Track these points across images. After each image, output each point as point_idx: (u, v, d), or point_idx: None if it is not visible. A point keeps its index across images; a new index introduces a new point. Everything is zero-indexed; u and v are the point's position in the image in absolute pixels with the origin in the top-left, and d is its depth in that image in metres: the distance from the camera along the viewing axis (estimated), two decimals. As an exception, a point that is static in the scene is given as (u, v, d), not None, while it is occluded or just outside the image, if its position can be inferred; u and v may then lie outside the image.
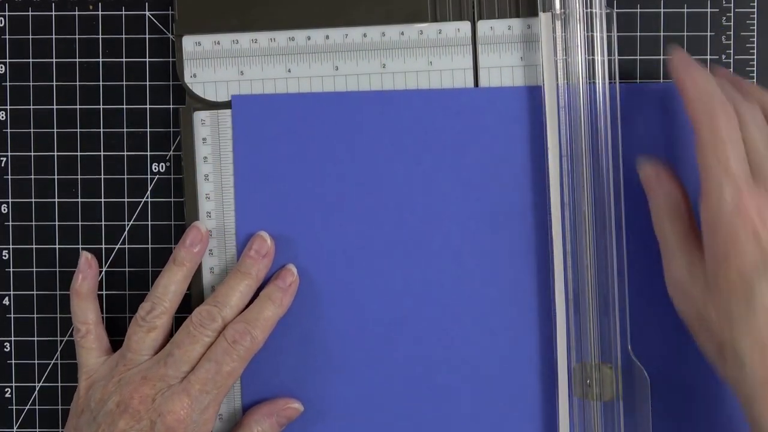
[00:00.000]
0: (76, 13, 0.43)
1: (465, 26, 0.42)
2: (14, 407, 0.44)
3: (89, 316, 0.41)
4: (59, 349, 0.43)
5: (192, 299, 0.42)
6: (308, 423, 0.42)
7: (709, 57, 0.43)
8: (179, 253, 0.40)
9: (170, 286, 0.40)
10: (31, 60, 0.43)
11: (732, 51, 0.43)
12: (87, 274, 0.41)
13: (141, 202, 0.43)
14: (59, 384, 0.43)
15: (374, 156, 0.42)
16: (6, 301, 0.43)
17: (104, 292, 0.43)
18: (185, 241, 0.41)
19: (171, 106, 0.43)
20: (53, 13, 0.43)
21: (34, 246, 0.43)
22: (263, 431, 0.40)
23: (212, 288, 0.42)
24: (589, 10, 0.40)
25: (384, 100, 0.42)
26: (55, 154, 0.43)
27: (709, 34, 0.43)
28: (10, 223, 0.43)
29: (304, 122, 0.42)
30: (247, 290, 0.40)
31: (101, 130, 0.43)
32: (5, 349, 0.43)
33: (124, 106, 0.43)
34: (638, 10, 0.42)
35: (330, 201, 0.42)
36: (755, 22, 0.42)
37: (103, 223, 0.43)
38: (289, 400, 0.41)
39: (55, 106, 0.43)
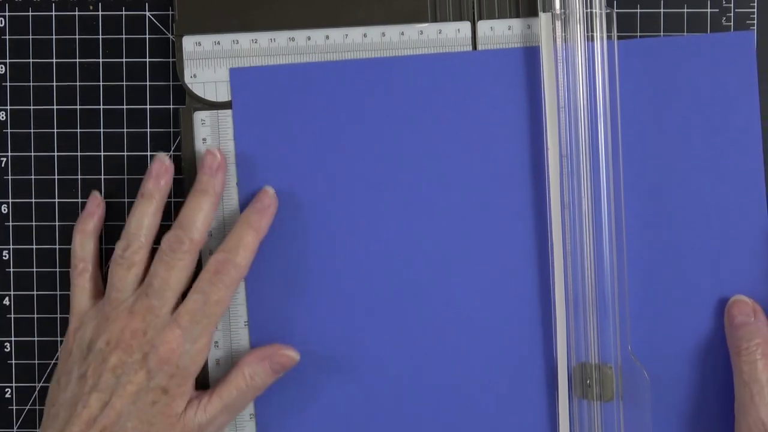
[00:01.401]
0: (76, 13, 0.43)
1: (465, 26, 0.42)
2: (14, 407, 0.44)
3: (89, 254, 0.41)
4: (59, 349, 0.43)
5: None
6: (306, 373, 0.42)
7: (709, 57, 0.43)
8: (147, 187, 0.40)
9: (143, 221, 0.40)
10: (31, 60, 0.43)
11: (732, 51, 0.43)
12: (95, 214, 0.42)
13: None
14: (59, 384, 0.43)
15: (374, 123, 0.42)
16: (6, 301, 0.43)
17: (104, 292, 0.43)
18: (151, 174, 0.40)
19: (171, 106, 0.43)
20: (53, 13, 0.43)
21: (34, 246, 0.43)
22: (254, 374, 0.40)
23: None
24: (589, 10, 0.40)
25: (382, 67, 0.42)
26: (55, 154, 0.43)
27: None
28: (10, 223, 0.43)
29: (304, 92, 0.42)
30: (208, 207, 0.40)
31: (101, 130, 0.43)
32: (5, 349, 0.44)
33: (124, 106, 0.43)
34: (638, 10, 0.42)
35: (330, 168, 0.42)
36: (755, 22, 0.42)
37: (103, 222, 0.43)
38: (284, 346, 0.41)
39: (55, 106, 0.43)
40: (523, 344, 0.42)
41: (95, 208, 0.42)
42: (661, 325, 0.42)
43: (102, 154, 0.43)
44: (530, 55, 0.42)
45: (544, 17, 0.41)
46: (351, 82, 0.42)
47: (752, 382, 0.38)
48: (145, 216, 0.40)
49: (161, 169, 0.40)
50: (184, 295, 0.40)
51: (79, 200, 0.43)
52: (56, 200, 0.43)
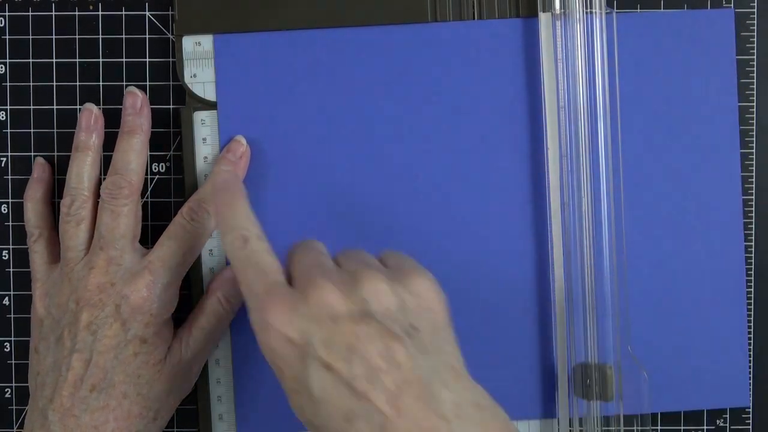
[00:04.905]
0: (76, 13, 0.43)
1: (465, 26, 0.42)
2: (14, 407, 0.44)
3: (43, 220, 0.41)
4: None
5: (191, 285, 0.42)
6: None
7: (709, 57, 0.43)
8: (80, 139, 0.40)
9: (83, 174, 0.40)
10: (31, 60, 0.43)
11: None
12: (43, 180, 0.42)
13: (141, 202, 0.43)
14: (59, 384, 0.43)
15: (363, 94, 0.42)
16: (6, 301, 0.43)
17: (104, 292, 0.43)
18: (81, 126, 0.41)
19: (171, 106, 0.43)
20: (53, 13, 0.43)
21: (34, 246, 0.43)
22: (229, 296, 0.40)
23: (210, 271, 0.42)
24: (589, 10, 0.40)
25: (372, 37, 0.42)
26: (55, 153, 0.43)
27: (709, 34, 0.43)
28: (10, 223, 0.43)
29: (292, 61, 0.42)
30: (140, 147, 0.40)
31: (101, 130, 0.43)
32: (5, 349, 0.44)
33: (124, 106, 0.43)
34: (638, 10, 0.42)
35: (318, 139, 0.42)
36: (755, 22, 0.42)
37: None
38: None
39: (55, 106, 0.43)
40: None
41: (42, 173, 0.42)
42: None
43: (102, 154, 0.43)
44: (527, 27, 0.41)
45: (544, 17, 0.41)
46: (342, 52, 0.42)
47: None
48: (84, 169, 0.40)
49: (91, 119, 0.41)
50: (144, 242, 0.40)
51: (79, 200, 0.43)
52: (56, 200, 0.43)
